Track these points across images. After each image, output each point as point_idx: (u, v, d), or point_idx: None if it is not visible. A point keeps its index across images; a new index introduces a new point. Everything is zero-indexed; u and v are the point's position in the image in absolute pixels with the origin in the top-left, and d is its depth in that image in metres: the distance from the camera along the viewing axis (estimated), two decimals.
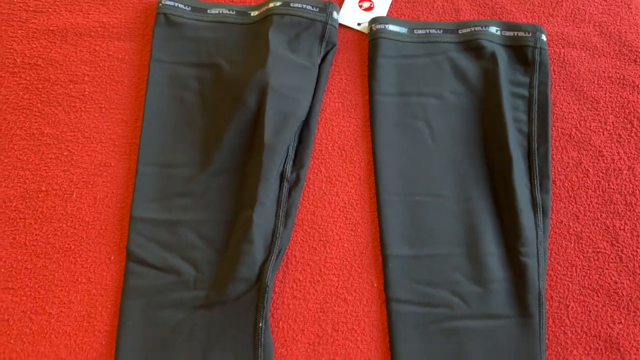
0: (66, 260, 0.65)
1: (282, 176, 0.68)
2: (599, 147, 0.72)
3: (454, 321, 0.63)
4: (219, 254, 0.65)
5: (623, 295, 0.65)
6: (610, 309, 0.65)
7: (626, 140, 0.72)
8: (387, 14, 0.79)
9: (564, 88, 0.75)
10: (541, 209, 0.68)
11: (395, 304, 0.64)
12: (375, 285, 0.65)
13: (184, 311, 0.62)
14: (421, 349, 0.62)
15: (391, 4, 0.80)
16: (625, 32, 0.78)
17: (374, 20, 0.76)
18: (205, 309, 0.63)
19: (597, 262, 0.67)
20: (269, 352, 0.61)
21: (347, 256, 0.67)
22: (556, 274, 0.67)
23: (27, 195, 0.68)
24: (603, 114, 0.74)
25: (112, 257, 0.65)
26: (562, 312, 0.65)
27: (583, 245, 0.68)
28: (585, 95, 0.75)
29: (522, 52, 0.75)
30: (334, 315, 0.64)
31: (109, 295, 0.64)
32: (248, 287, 0.63)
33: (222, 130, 0.68)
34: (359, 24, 0.78)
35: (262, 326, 0.61)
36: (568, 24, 0.79)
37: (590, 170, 0.71)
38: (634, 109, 0.74)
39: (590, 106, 0.74)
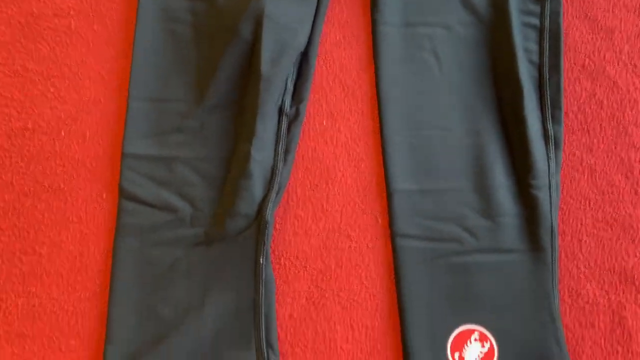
0: (56, 199, 0.62)
1: (280, 110, 0.64)
2: (614, 77, 0.69)
3: (462, 256, 0.61)
4: (216, 190, 0.62)
5: (638, 228, 0.63)
6: (625, 242, 0.62)
7: None
8: None
9: (576, 17, 0.71)
10: (553, 141, 0.65)
11: (401, 239, 0.61)
12: (380, 221, 0.63)
13: (181, 249, 0.60)
14: (428, 284, 0.60)
15: None
16: None
17: None
18: (203, 246, 0.60)
19: (611, 196, 0.64)
20: (270, 289, 0.59)
21: (350, 193, 0.64)
22: (569, 208, 0.64)
23: (13, 134, 0.64)
24: (618, 44, 0.70)
25: (105, 196, 0.62)
26: (575, 246, 0.62)
27: (597, 178, 0.65)
28: (599, 25, 0.71)
29: None
30: (337, 251, 0.61)
31: (102, 235, 0.61)
32: (247, 223, 0.60)
33: (217, 63, 0.64)
34: None
35: (263, 262, 0.59)
36: None
37: (605, 101, 0.68)
38: None
39: (604, 36, 0.70)
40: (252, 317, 0.57)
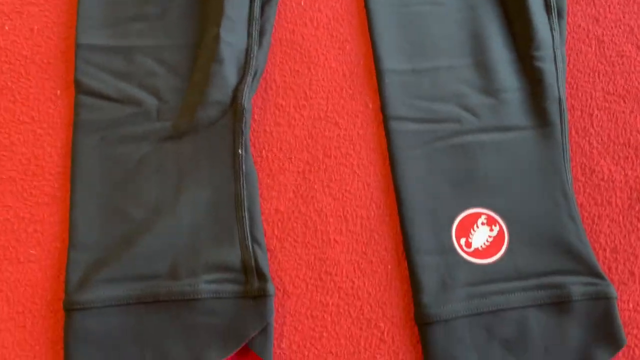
0: (4, 100, 0.55)
1: None
2: None
3: (463, 136, 0.55)
4: (184, 80, 0.55)
5: None
6: (639, 115, 0.57)
7: None
8: None
9: None
10: (555, 11, 0.58)
11: (395, 122, 0.55)
12: (371, 105, 0.56)
13: (148, 144, 0.53)
14: (427, 169, 0.54)
15: None
16: None
17: None
18: (173, 140, 0.53)
19: (621, 67, 0.59)
20: (252, 182, 0.52)
21: (335, 77, 0.57)
22: (576, 82, 0.58)
23: None
24: None
25: (59, 92, 0.55)
26: (586, 121, 0.57)
27: (605, 49, 0.59)
28: None
29: None
30: (324, 140, 0.55)
31: (58, 134, 0.54)
32: (221, 111, 0.53)
33: None
34: None
35: (242, 154, 0.52)
36: None
37: None
38: None
39: None
40: (234, 212, 0.51)
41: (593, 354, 0.48)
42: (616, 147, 0.56)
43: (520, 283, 0.50)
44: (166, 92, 0.55)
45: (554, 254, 0.51)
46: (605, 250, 0.52)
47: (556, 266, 0.50)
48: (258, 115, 0.56)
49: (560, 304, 0.49)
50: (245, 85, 0.54)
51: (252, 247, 0.50)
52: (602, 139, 0.56)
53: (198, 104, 0.53)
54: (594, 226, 0.53)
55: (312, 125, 0.55)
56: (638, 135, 0.56)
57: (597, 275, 0.50)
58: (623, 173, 0.55)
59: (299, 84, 0.57)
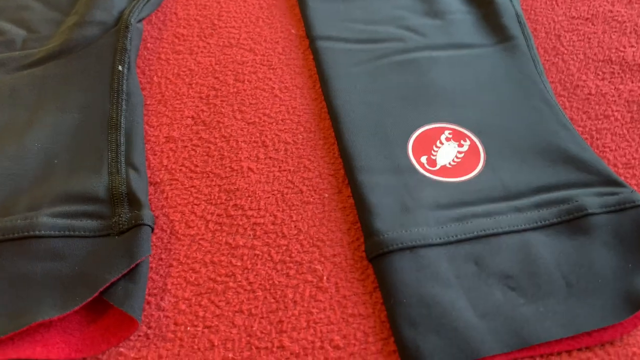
0: None
1: None
2: None
3: (410, 53, 0.44)
4: (64, 14, 0.45)
5: (624, 19, 0.49)
6: (615, 35, 0.48)
7: None
8: None
9: None
10: None
11: (325, 42, 0.44)
12: (294, 31, 0.46)
13: (3, 73, 0.40)
14: (369, 86, 0.41)
15: None
16: None
17: None
18: (37, 67, 0.41)
19: None
20: (134, 105, 0.39)
21: (250, 9, 0.47)
22: (534, 10, 0.50)
23: None
24: None
25: None
26: (554, 41, 0.47)
27: None
28: None
29: None
30: (236, 66, 0.43)
31: None
32: (102, 30, 0.42)
33: None
34: None
35: (123, 71, 0.40)
36: None
37: None
38: None
39: None
40: (106, 135, 0.37)
41: (636, 282, 0.32)
42: (597, 64, 0.46)
43: (512, 202, 0.35)
44: (40, 24, 0.44)
45: (549, 166, 0.37)
46: (616, 166, 0.39)
47: (556, 179, 0.36)
48: (152, 45, 0.44)
49: (573, 221, 0.34)
50: (135, 8, 0.43)
51: (126, 171, 0.35)
52: (577, 57, 0.46)
53: (75, 26, 0.42)
54: (595, 141, 0.40)
55: (220, 52, 0.44)
56: (618, 52, 0.47)
57: (614, 182, 0.36)
58: (613, 87, 0.44)
59: (206, 15, 0.47)
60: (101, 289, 0.29)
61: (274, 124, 0.40)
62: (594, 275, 0.32)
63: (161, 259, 0.33)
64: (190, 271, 0.32)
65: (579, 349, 0.30)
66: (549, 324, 0.30)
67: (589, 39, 0.47)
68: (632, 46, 0.47)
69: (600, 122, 0.42)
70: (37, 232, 0.31)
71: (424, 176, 0.37)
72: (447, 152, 0.38)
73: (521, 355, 0.30)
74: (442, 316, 0.30)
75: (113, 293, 0.30)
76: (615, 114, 0.42)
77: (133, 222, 0.32)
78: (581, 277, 0.32)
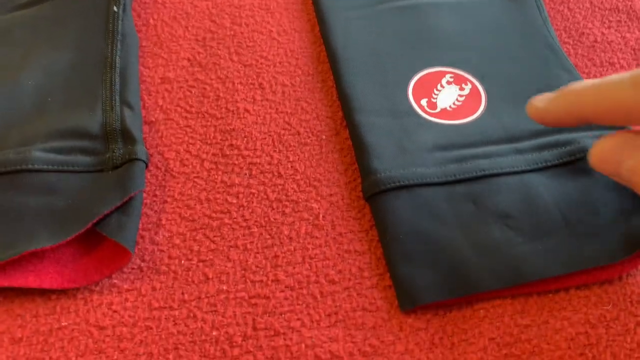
0: None
1: None
2: None
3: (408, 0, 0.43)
4: None
5: None
6: None
7: None
8: None
9: None
10: None
11: None
12: None
13: None
14: (368, 29, 0.40)
15: None
16: None
17: None
18: (30, 8, 0.40)
19: None
20: (130, 45, 0.38)
21: None
22: None
23: None
24: None
25: None
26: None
27: None
28: None
29: None
30: (233, 9, 0.42)
31: None
32: None
33: None
34: None
35: (117, 11, 0.39)
36: None
37: None
38: None
39: None
40: (101, 75, 0.36)
41: (636, 223, 0.31)
42: (603, 12, 0.45)
43: (512, 145, 0.35)
44: None
45: None
46: None
47: None
48: None
49: (574, 162, 0.34)
50: None
51: (120, 109, 0.34)
52: (583, 5, 0.45)
53: None
54: None
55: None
56: (625, 1, 0.45)
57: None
58: (620, 35, 0.43)
59: None
60: (94, 221, 0.29)
61: (272, 66, 0.39)
62: (594, 215, 0.31)
63: (155, 196, 0.32)
64: (185, 207, 0.32)
65: (577, 287, 0.30)
66: (547, 262, 0.30)
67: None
68: None
69: (605, 69, 0.41)
70: (30, 166, 0.31)
71: (424, 118, 0.36)
72: (447, 95, 0.37)
73: (518, 292, 0.29)
74: (439, 252, 0.30)
75: (106, 225, 0.29)
76: (621, 61, 0.41)
77: (127, 157, 0.32)
78: (581, 217, 0.31)
